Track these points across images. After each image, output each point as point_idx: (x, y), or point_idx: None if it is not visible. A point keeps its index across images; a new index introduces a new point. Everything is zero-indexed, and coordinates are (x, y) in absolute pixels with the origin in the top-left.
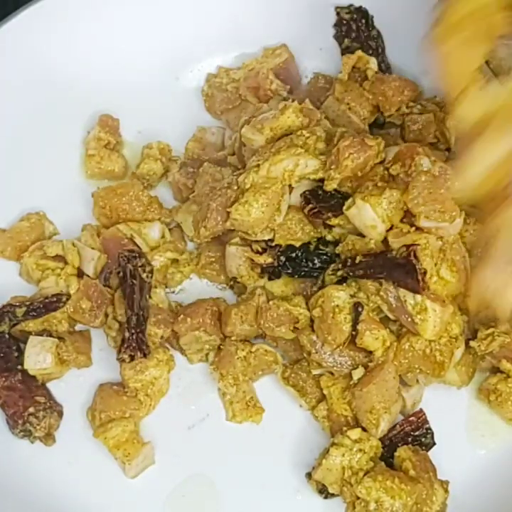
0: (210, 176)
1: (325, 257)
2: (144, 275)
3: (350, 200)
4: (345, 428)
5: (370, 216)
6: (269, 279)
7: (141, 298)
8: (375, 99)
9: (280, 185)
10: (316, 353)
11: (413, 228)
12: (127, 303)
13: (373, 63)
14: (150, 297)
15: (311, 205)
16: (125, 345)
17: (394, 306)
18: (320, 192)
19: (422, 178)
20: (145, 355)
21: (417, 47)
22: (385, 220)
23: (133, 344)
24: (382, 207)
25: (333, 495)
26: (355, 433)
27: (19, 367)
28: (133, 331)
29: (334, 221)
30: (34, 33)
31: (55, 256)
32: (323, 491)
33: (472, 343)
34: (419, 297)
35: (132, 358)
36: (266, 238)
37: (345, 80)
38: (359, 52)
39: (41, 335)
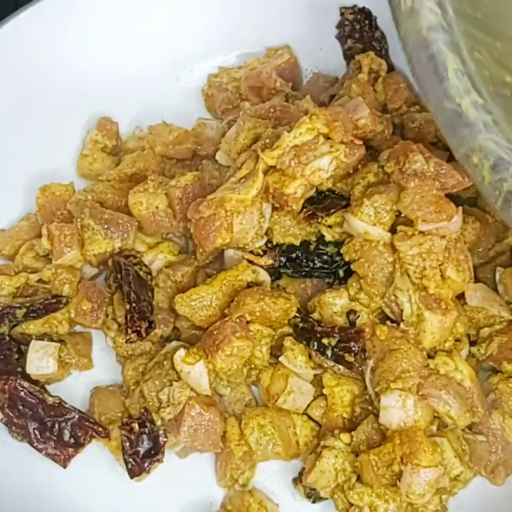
0: (209, 173)
1: (325, 256)
2: (141, 273)
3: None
4: (337, 431)
5: (358, 225)
6: (271, 280)
7: (138, 281)
8: (385, 99)
9: (249, 202)
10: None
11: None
12: (122, 281)
13: (384, 64)
14: (152, 287)
15: (305, 210)
16: (128, 318)
17: (396, 313)
18: (314, 194)
19: (411, 184)
20: (150, 324)
21: None
22: (376, 223)
23: (136, 315)
24: (367, 213)
25: (321, 499)
26: (346, 437)
27: (19, 369)
28: (134, 305)
29: (330, 221)
30: (34, 33)
31: (47, 254)
32: (312, 496)
33: (473, 349)
34: (415, 306)
35: (139, 333)
36: (258, 245)
37: (364, 82)
38: (372, 54)
39: (42, 339)
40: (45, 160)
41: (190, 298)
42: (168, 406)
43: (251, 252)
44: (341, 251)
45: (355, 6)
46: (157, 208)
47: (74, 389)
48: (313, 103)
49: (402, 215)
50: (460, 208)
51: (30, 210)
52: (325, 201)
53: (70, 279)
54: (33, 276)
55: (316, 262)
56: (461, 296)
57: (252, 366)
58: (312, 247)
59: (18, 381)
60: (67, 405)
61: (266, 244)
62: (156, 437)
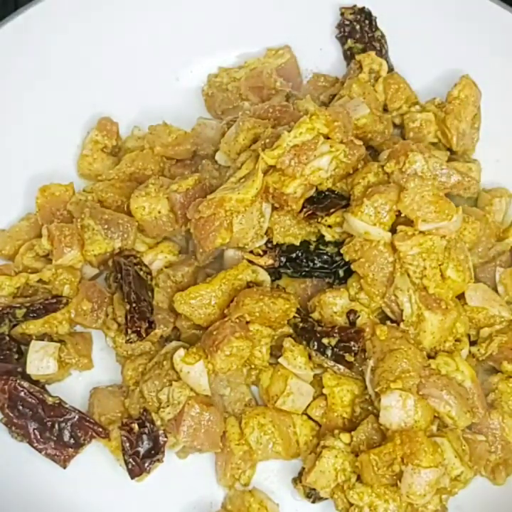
0: (208, 172)
1: (325, 256)
2: (141, 273)
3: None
4: (337, 431)
5: (359, 225)
6: (271, 280)
7: (138, 281)
8: (385, 99)
9: (249, 201)
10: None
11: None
12: (122, 281)
13: (385, 64)
14: (152, 287)
15: (305, 209)
16: (128, 318)
17: (396, 312)
18: (314, 194)
19: (411, 184)
20: (150, 325)
21: (419, 48)
22: (376, 223)
23: (136, 315)
24: (367, 214)
25: (321, 499)
26: (346, 437)
27: (19, 369)
28: (134, 305)
29: (330, 221)
30: (34, 33)
31: (47, 254)
32: (311, 495)
33: (473, 349)
34: (415, 306)
35: (139, 334)
36: (258, 245)
37: (364, 81)
38: (372, 54)
39: (42, 339)
40: (45, 160)
41: (190, 296)
42: (168, 406)
43: (251, 252)
44: (341, 251)
45: (355, 6)
46: (159, 212)
47: (74, 389)
48: (314, 103)
49: (402, 215)
50: (460, 207)
51: (30, 210)
52: (325, 201)
53: (70, 279)
54: (33, 277)
55: (316, 261)
56: (461, 296)
57: (252, 366)
58: (312, 247)
59: (18, 381)
60: (67, 405)
61: (266, 244)
62: (156, 437)
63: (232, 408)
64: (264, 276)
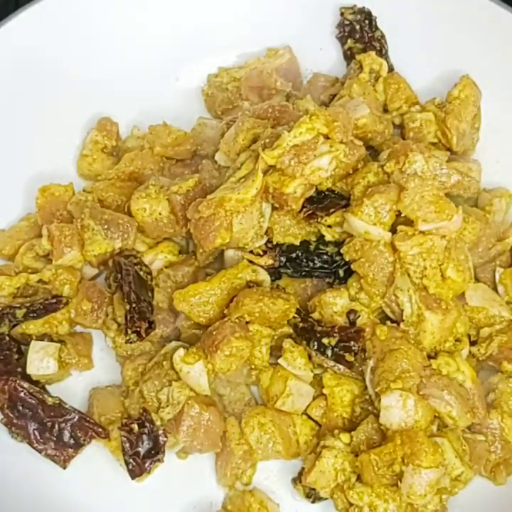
0: (208, 172)
1: (325, 256)
2: (142, 273)
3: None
4: (337, 431)
5: (359, 224)
6: (271, 280)
7: (138, 281)
8: (385, 99)
9: (249, 201)
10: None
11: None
12: (122, 281)
13: (385, 65)
14: (152, 288)
15: (305, 209)
16: (128, 319)
17: (396, 312)
18: (314, 194)
19: (411, 184)
20: (150, 325)
21: (419, 48)
22: (377, 223)
23: (136, 315)
24: (367, 213)
25: (321, 499)
26: (346, 437)
27: (19, 369)
28: (134, 305)
29: (329, 221)
30: (35, 33)
31: (47, 254)
32: (311, 495)
33: (473, 349)
34: (416, 306)
35: (139, 334)
36: (258, 245)
37: (365, 81)
38: (372, 54)
39: (42, 339)
40: (45, 160)
41: (189, 294)
42: (168, 406)
43: (251, 252)
44: (341, 251)
45: (355, 6)
46: (160, 214)
47: (74, 389)
48: (314, 103)
49: (402, 215)
50: (460, 207)
51: (30, 211)
52: (325, 201)
53: (70, 279)
54: (33, 277)
55: (316, 261)
56: (461, 296)
57: (252, 366)
58: (312, 247)
59: (18, 381)
60: (66, 406)
61: (266, 244)
62: (156, 437)
63: (232, 408)
64: (264, 276)
